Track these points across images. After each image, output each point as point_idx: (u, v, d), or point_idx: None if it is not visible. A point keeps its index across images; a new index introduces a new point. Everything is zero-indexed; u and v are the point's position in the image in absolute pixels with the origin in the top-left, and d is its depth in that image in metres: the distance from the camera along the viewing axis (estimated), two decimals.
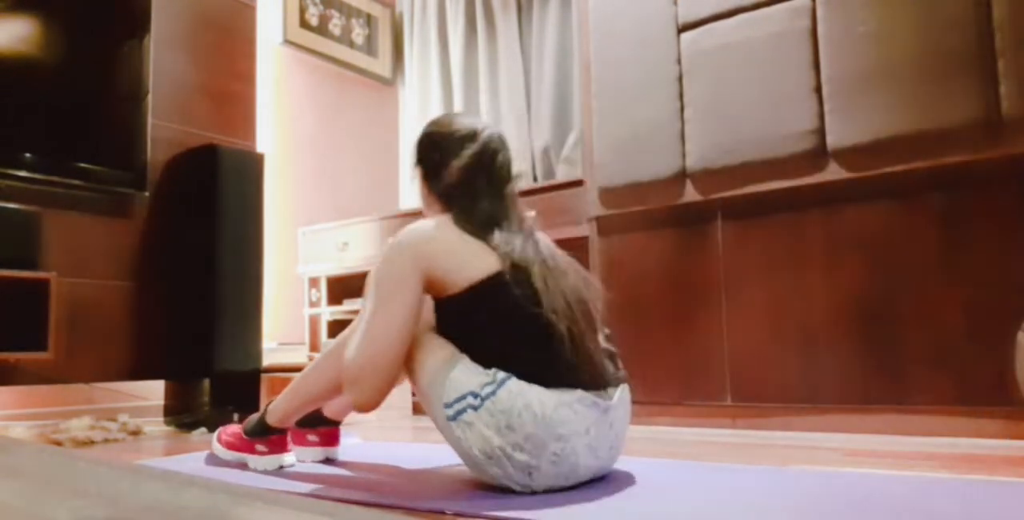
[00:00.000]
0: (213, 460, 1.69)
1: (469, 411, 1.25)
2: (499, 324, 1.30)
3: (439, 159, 1.44)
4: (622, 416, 1.36)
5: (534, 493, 1.25)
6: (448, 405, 1.26)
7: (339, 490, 1.31)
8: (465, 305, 1.32)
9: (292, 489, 1.35)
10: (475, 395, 1.24)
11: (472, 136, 1.42)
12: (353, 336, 1.36)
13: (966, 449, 1.70)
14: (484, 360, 1.28)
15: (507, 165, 1.45)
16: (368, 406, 1.32)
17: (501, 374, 1.25)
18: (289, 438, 1.63)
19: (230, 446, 1.66)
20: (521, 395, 1.23)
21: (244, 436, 1.62)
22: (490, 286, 1.29)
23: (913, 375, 1.93)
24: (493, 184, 1.42)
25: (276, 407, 1.59)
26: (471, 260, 1.32)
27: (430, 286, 1.34)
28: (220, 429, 1.72)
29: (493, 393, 1.24)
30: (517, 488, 1.25)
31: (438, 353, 1.32)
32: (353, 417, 2.44)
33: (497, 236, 1.34)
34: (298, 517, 0.58)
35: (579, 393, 1.26)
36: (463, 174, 1.40)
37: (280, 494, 0.70)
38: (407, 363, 1.35)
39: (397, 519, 0.73)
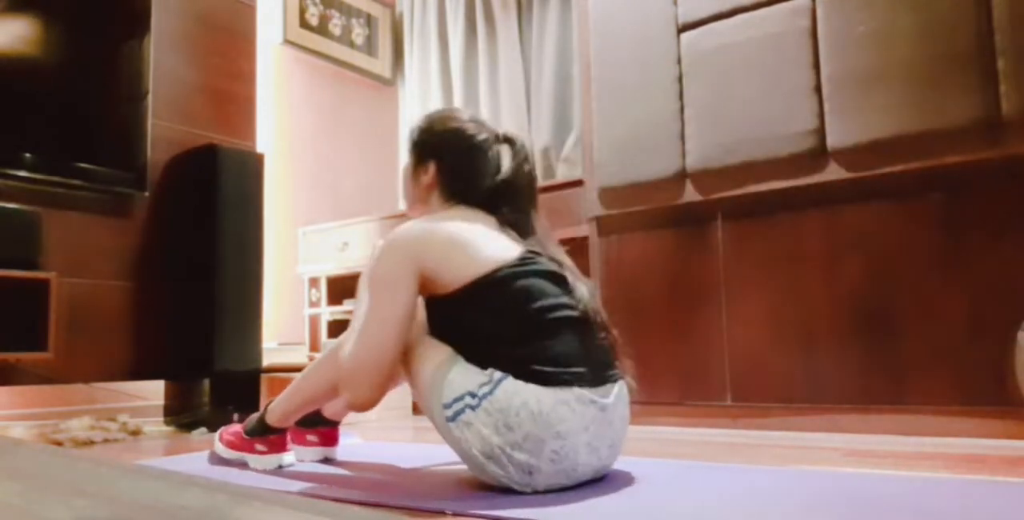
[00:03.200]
0: (213, 460, 1.70)
1: (467, 411, 1.25)
2: (495, 322, 1.30)
3: (466, 159, 1.46)
4: (622, 414, 1.36)
5: (535, 492, 1.25)
6: (447, 406, 1.27)
7: (338, 490, 1.31)
8: (460, 305, 1.32)
9: (292, 489, 1.35)
10: (473, 395, 1.25)
11: (510, 141, 1.47)
12: (348, 336, 1.36)
13: (966, 449, 1.70)
14: (480, 360, 1.28)
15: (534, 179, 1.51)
16: (364, 406, 1.33)
17: (498, 374, 1.25)
18: (288, 438, 1.64)
19: (231, 445, 1.67)
20: (518, 394, 1.23)
21: (244, 436, 1.63)
22: (489, 284, 1.30)
23: (913, 375, 1.93)
24: (526, 196, 1.47)
25: (276, 407, 1.59)
26: (472, 256, 1.32)
27: (423, 286, 1.34)
28: (223, 429, 1.73)
29: (490, 392, 1.24)
30: (518, 487, 1.25)
31: (435, 356, 1.32)
32: (353, 417, 2.44)
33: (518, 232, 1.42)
34: (298, 517, 0.58)
35: (576, 390, 1.26)
36: (505, 180, 1.45)
37: (280, 494, 0.70)
38: (405, 366, 1.36)
39: (397, 519, 0.73)
